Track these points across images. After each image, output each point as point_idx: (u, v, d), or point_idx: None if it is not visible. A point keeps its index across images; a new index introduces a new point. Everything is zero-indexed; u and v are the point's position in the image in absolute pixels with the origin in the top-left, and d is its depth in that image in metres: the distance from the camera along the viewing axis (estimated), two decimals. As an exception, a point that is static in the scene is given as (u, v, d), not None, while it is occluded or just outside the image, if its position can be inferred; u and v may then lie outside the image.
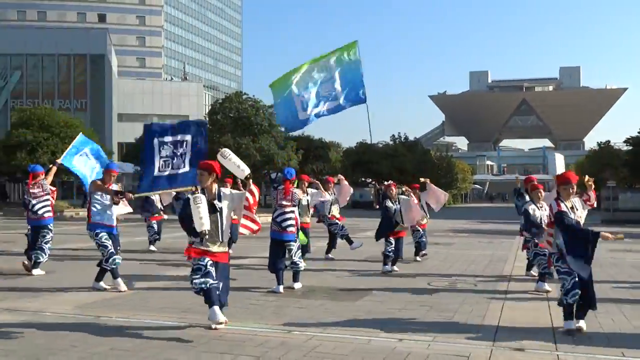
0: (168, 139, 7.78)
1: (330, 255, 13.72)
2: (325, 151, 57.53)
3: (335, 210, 13.83)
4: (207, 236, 6.26)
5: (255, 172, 45.85)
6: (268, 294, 8.82)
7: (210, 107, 53.39)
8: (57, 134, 42.02)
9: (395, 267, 11.57)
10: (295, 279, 9.42)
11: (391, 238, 11.61)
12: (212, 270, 6.40)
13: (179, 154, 7.72)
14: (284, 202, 9.29)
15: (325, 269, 11.75)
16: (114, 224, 9.14)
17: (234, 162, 6.35)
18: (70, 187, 51.05)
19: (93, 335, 6.10)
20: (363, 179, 58.84)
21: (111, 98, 69.81)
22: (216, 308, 6.31)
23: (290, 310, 7.64)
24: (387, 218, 11.63)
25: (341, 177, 14.46)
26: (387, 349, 5.74)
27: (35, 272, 10.58)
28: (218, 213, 6.40)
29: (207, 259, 6.42)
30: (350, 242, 13.29)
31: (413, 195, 12.21)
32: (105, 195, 9.02)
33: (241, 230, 8.02)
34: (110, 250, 8.89)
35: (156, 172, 7.73)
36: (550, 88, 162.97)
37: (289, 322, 6.88)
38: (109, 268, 8.90)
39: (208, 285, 6.29)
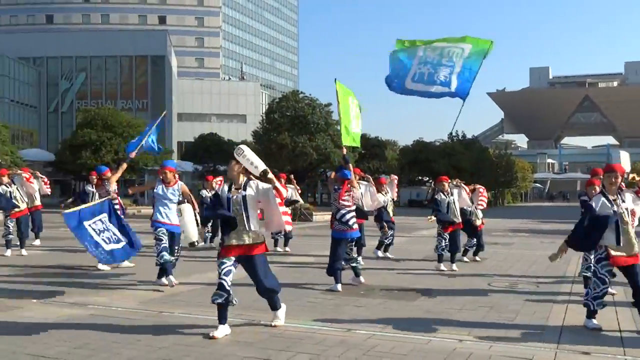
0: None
1: (388, 254, 13.69)
2: (381, 149, 57.35)
3: (390, 211, 13.87)
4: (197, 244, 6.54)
5: (312, 170, 46.11)
6: (326, 292, 8.85)
7: (267, 106, 53.86)
8: (119, 134, 43.25)
9: (454, 267, 11.46)
10: (358, 274, 9.59)
11: (445, 233, 11.54)
12: (228, 279, 6.20)
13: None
14: (346, 201, 9.31)
15: (384, 268, 11.71)
16: (174, 222, 9.28)
17: (248, 158, 6.30)
18: (132, 185, 52.41)
19: (157, 330, 6.25)
20: (419, 178, 58.35)
21: (171, 98, 71.33)
22: (222, 327, 6.12)
23: (349, 308, 7.65)
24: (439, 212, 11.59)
25: (394, 177, 14.61)
26: (447, 349, 5.68)
27: (101, 267, 10.95)
28: (241, 203, 6.20)
29: (226, 262, 6.23)
30: (382, 249, 13.53)
31: (464, 188, 12.15)
32: (167, 193, 9.19)
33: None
34: (164, 245, 9.02)
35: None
36: (615, 84, 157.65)
37: (347, 320, 6.89)
38: (157, 263, 9.08)
39: (221, 300, 6.12)
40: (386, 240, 13.66)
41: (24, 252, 13.24)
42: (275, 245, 14.58)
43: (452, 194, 11.70)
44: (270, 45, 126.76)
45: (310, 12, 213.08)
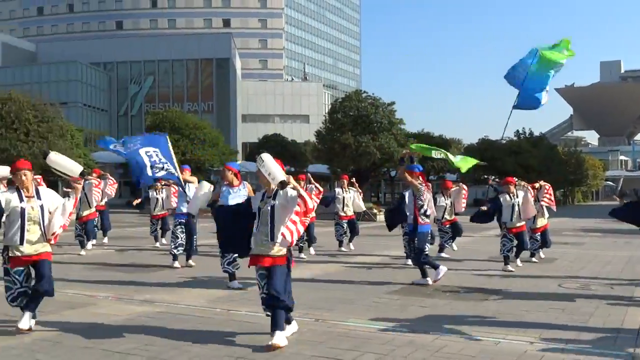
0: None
1: (446, 253, 13.83)
2: (445, 148, 56.52)
3: (448, 215, 13.79)
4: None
5: (375, 170, 45.92)
6: (392, 292, 8.79)
7: (330, 106, 53.96)
8: (186, 136, 44.21)
9: (518, 262, 11.38)
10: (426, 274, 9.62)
11: (510, 234, 11.40)
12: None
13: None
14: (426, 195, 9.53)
15: (450, 268, 11.53)
16: None
17: (266, 169, 6.09)
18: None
19: (225, 328, 6.35)
20: (485, 177, 57.29)
21: (236, 100, 72.46)
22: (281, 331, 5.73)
23: (415, 309, 7.57)
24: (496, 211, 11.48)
25: (464, 187, 14.48)
26: (518, 351, 5.54)
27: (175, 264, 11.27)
28: (269, 214, 5.82)
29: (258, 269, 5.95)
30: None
31: (530, 191, 11.85)
32: (233, 194, 9.25)
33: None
34: (235, 255, 8.82)
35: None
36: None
37: (414, 321, 6.83)
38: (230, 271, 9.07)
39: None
40: (446, 244, 13.88)
41: (82, 252, 13.63)
42: (300, 251, 13.40)
43: (517, 196, 11.48)
44: (332, 45, 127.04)
45: (372, 11, 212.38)
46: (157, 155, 10.25)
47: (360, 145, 41.22)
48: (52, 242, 6.28)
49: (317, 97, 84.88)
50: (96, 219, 14.82)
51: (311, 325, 6.54)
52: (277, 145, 54.83)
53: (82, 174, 6.71)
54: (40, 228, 6.17)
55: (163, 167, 10.16)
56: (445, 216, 13.82)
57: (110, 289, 8.90)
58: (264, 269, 5.84)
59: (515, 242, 11.55)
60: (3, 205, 6.06)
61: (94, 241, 14.93)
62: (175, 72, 70.52)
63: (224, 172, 9.21)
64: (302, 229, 5.75)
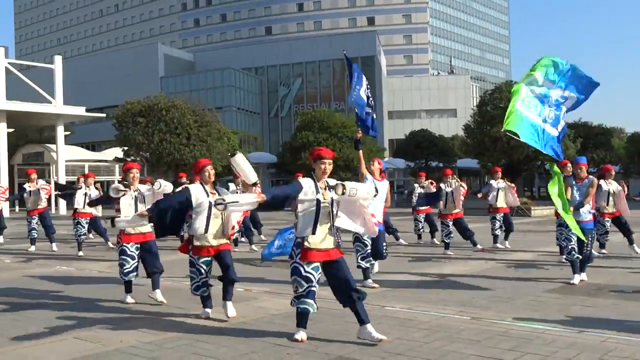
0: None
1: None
2: (606, 138, 53.08)
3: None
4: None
5: (528, 163, 44.08)
6: (551, 290, 8.41)
7: (478, 99, 52.59)
8: (334, 134, 45.11)
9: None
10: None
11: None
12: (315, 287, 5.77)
13: None
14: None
15: (614, 267, 10.81)
16: (379, 219, 9.07)
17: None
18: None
19: (379, 325, 6.40)
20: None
21: (381, 97, 72.73)
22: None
23: (578, 309, 7.19)
24: None
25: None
26: (699, 357, 5.08)
27: None
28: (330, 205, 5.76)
29: (313, 264, 5.75)
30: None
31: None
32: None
33: None
34: (368, 250, 8.86)
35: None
36: None
37: (577, 321, 6.48)
38: (363, 266, 9.02)
39: (305, 309, 5.73)
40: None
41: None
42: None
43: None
44: (479, 36, 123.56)
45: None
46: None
47: (511, 138, 39.82)
48: (231, 237, 6.89)
49: (465, 90, 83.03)
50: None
51: (467, 324, 6.42)
52: (424, 141, 54.37)
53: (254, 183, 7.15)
54: (221, 221, 6.73)
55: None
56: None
57: (270, 281, 9.28)
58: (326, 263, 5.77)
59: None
60: (193, 200, 6.63)
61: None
62: (322, 72, 72.16)
63: (373, 164, 9.22)
64: None
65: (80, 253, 13.71)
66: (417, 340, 5.74)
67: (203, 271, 6.72)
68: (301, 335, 5.72)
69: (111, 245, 14.07)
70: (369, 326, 5.62)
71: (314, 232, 5.67)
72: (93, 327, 6.47)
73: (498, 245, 14.08)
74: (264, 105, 74.28)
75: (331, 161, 5.89)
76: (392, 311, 7.12)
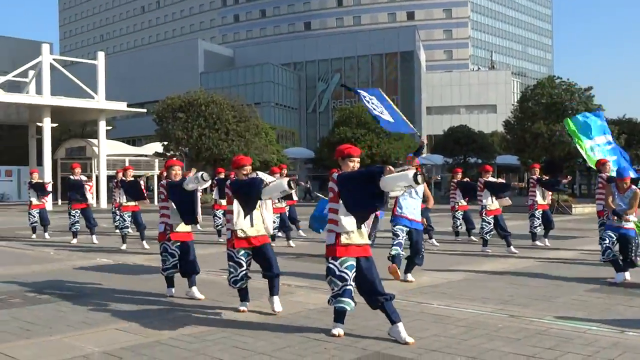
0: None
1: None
2: (652, 135, 51.70)
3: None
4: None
5: (570, 159, 43.30)
6: (593, 290, 8.25)
7: (519, 95, 51.84)
8: (372, 130, 44.96)
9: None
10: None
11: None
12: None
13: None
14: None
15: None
16: (417, 218, 9.02)
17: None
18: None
19: (416, 322, 6.37)
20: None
21: (420, 92, 72.24)
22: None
23: (621, 308, 7.04)
24: None
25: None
26: None
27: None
28: None
29: (347, 263, 5.72)
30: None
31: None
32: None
33: None
34: (398, 241, 8.83)
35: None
36: None
37: (620, 321, 6.35)
38: (417, 263, 9.05)
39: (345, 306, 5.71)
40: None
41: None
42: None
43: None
44: (521, 30, 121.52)
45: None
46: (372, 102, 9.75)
47: (553, 135, 39.19)
48: (269, 232, 6.98)
49: (505, 85, 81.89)
50: None
51: (506, 322, 6.34)
52: (463, 137, 53.80)
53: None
54: (261, 215, 6.86)
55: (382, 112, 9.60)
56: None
57: (306, 277, 9.32)
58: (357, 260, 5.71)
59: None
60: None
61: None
62: (361, 67, 71.96)
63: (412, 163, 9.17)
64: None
65: (124, 246, 13.92)
66: (454, 337, 5.70)
67: (243, 263, 6.78)
68: (338, 330, 5.74)
69: (146, 246, 13.92)
70: (399, 325, 5.58)
71: (359, 227, 5.72)
72: (134, 319, 6.59)
73: (537, 243, 13.88)
74: (302, 100, 74.46)
75: (359, 159, 5.94)
76: (429, 308, 7.08)
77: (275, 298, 6.79)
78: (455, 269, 10.26)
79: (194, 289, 7.82)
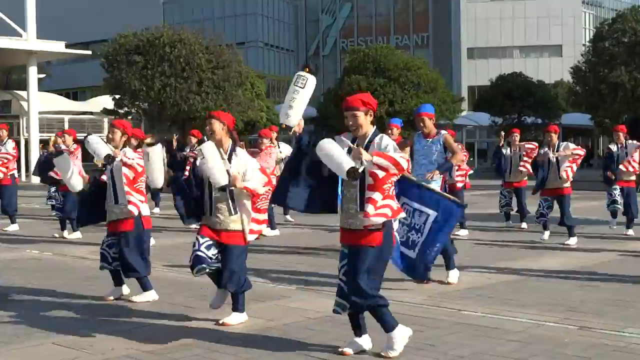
0: None
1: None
2: None
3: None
4: None
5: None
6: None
7: (593, 32, 51.53)
8: (395, 79, 44.62)
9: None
10: None
11: None
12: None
13: None
14: None
15: None
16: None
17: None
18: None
19: (454, 335, 6.40)
20: None
21: (459, 29, 71.86)
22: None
23: None
24: None
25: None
26: None
27: None
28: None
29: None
30: None
31: None
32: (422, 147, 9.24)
33: None
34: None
35: None
36: None
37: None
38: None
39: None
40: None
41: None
42: None
43: None
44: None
45: None
46: None
47: (638, 85, 39.05)
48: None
49: (574, 19, 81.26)
50: None
51: (574, 335, 6.38)
52: (517, 88, 53.53)
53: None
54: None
55: None
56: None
57: (303, 279, 9.32)
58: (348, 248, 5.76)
59: None
60: None
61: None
62: (380, -6, 71.51)
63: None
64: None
65: (66, 233, 13.92)
66: (505, 355, 5.74)
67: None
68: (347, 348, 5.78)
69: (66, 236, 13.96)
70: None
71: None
72: (77, 330, 6.61)
73: (613, 227, 13.87)
74: (300, 40, 74.17)
75: (362, 113, 5.76)
76: (471, 317, 7.12)
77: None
78: (505, 266, 10.27)
79: (124, 287, 8.07)
